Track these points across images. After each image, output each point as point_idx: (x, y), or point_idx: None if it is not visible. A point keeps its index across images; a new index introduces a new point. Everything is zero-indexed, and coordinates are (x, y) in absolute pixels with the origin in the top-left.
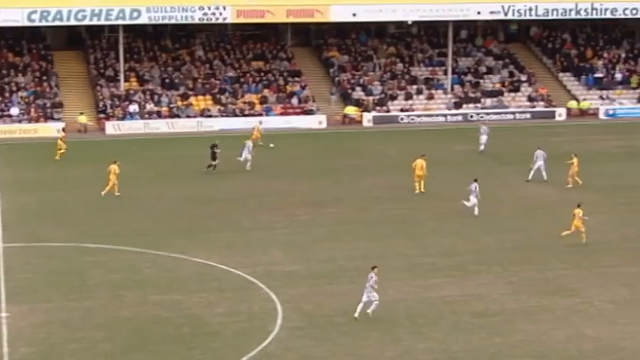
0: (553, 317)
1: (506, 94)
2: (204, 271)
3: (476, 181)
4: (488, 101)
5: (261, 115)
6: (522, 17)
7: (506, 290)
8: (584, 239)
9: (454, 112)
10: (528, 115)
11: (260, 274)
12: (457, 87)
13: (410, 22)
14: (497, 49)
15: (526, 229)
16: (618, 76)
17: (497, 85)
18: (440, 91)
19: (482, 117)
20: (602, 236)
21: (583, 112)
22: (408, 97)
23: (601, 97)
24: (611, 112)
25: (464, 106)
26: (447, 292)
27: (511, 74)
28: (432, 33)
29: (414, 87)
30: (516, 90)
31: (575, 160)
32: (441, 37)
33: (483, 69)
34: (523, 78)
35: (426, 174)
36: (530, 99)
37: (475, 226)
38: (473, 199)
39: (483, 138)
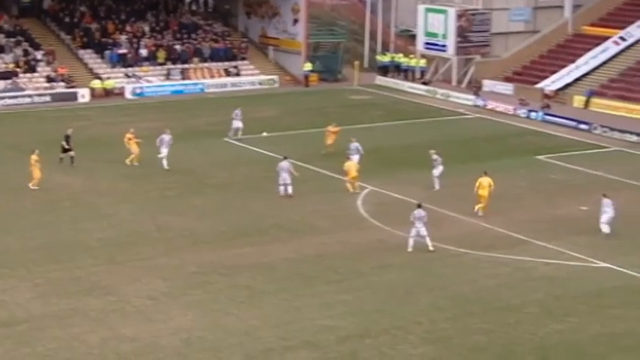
0: (87, 320)
1: (21, 75)
2: None
3: None
4: (2, 84)
5: None
6: None
7: (32, 294)
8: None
9: None
10: (48, 98)
11: None
12: None
13: None
14: (9, 25)
15: (52, 224)
16: (143, 51)
17: (11, 66)
18: None
19: None
20: (136, 227)
21: (108, 92)
22: None
23: (127, 75)
24: (138, 90)
25: None
26: None
27: (26, 53)
28: None
29: None
30: (33, 70)
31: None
32: None
33: None
34: (39, 57)
35: None
36: (50, 79)
37: None
38: None
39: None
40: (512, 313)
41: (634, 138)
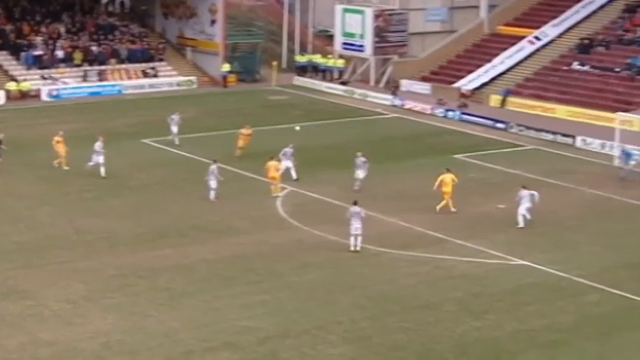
0: (4, 324)
1: None
2: None
3: None
4: None
5: None
6: None
7: None
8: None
9: None
10: None
11: None
12: None
13: None
14: None
15: None
16: (60, 53)
17: None
18: None
19: None
20: (54, 230)
21: (24, 95)
22: None
23: (43, 77)
24: (54, 92)
25: None
26: None
27: None
28: None
29: None
30: None
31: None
32: None
33: None
34: None
35: None
36: None
37: None
38: None
39: None
40: (431, 312)
41: (549, 136)
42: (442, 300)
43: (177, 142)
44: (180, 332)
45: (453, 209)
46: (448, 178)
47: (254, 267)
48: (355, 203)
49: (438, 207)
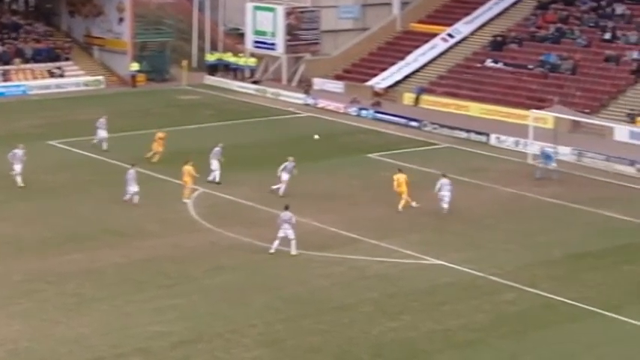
0: None
1: None
2: None
3: None
4: None
5: None
6: None
7: None
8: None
9: None
10: None
11: None
12: None
13: None
14: None
15: None
16: None
17: None
18: None
19: None
20: None
21: None
22: None
23: None
24: None
25: None
26: None
27: None
28: None
29: None
30: None
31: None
32: None
33: None
34: None
35: None
36: None
37: None
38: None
39: None
40: (346, 313)
41: (463, 134)
42: (357, 301)
43: (105, 147)
44: (90, 338)
45: (413, 204)
46: (402, 178)
47: (166, 270)
48: (286, 208)
49: (400, 207)
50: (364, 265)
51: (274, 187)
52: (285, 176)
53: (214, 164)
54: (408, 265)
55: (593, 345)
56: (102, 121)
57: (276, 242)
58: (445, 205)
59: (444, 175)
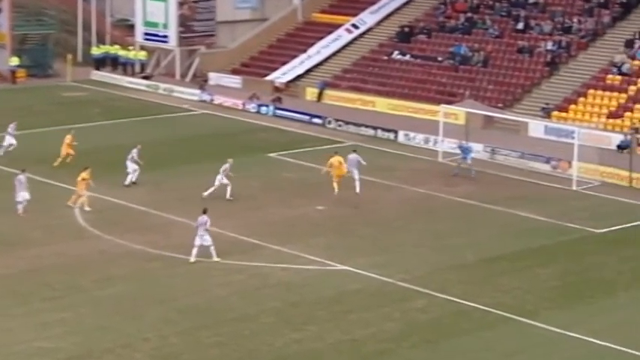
0: None
1: None
2: None
3: None
4: None
5: None
6: None
7: None
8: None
9: None
10: None
11: None
12: None
13: None
14: None
15: None
16: None
17: None
18: None
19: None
20: None
21: None
22: None
23: None
24: None
25: None
26: None
27: None
28: None
29: None
30: None
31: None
32: None
33: None
34: None
35: None
36: None
37: None
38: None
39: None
40: (247, 324)
41: (370, 132)
42: (258, 311)
43: (9, 151)
44: None
45: (335, 191)
46: (336, 161)
47: (51, 281)
48: (204, 212)
49: (336, 190)
50: (266, 273)
51: (208, 191)
52: (224, 180)
53: (130, 166)
54: (313, 272)
55: (508, 353)
56: (12, 126)
57: (195, 250)
58: (357, 186)
59: (354, 151)
